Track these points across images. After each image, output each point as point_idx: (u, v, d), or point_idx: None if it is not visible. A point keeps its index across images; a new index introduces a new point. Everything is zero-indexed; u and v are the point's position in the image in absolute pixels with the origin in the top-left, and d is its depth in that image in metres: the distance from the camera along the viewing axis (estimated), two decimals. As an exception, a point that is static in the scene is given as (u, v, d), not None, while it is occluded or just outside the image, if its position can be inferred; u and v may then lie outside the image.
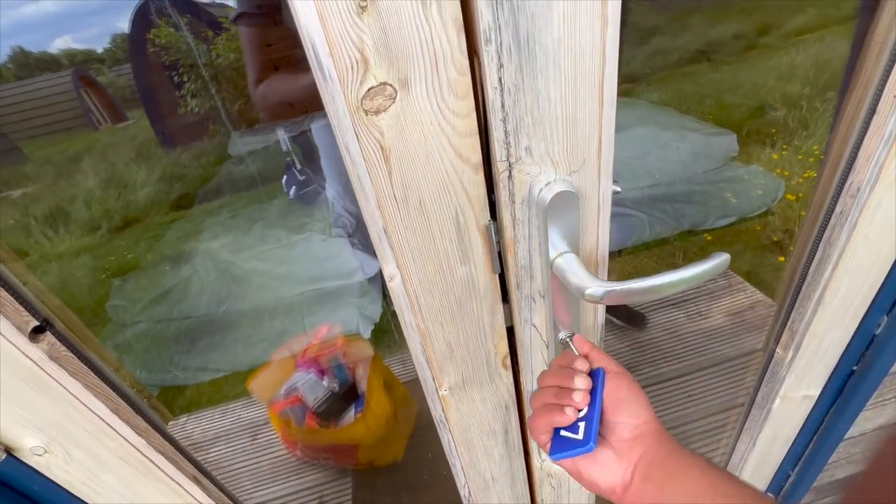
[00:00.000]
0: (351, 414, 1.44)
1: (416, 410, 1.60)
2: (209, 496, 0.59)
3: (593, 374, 0.42)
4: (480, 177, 0.41)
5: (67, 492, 0.49)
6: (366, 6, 0.32)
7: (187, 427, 1.72)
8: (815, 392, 0.78)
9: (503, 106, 0.37)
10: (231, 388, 1.91)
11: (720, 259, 0.41)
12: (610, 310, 1.63)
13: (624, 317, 1.79)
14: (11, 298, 0.39)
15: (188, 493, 0.56)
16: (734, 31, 3.68)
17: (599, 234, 0.47)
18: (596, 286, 0.40)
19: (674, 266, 0.39)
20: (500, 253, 0.46)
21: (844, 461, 0.98)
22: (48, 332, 0.41)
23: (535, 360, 0.56)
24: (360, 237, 1.83)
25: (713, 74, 3.54)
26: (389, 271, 0.45)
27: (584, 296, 0.40)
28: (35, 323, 0.40)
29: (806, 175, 2.45)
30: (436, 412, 0.58)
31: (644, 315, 1.79)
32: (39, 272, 2.58)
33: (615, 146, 0.42)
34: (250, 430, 1.66)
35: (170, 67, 2.20)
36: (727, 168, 2.62)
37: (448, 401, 0.57)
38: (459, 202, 0.42)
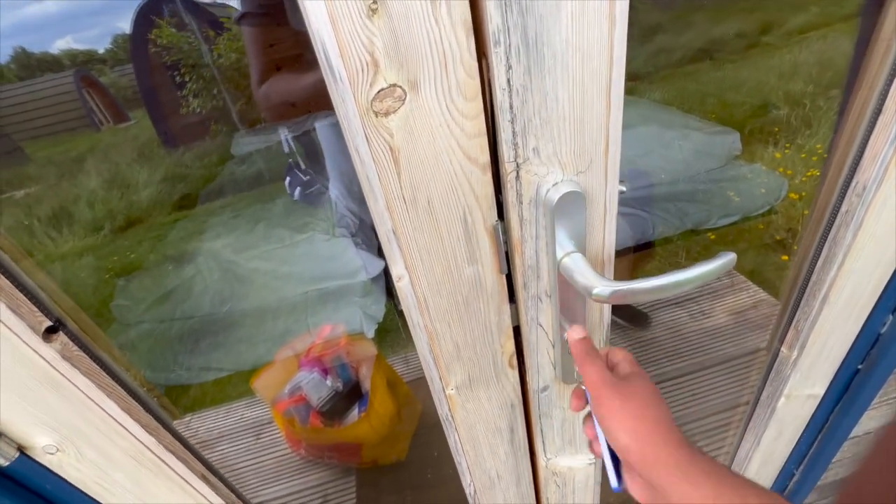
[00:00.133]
0: (354, 413, 1.44)
1: (420, 409, 1.60)
2: (218, 494, 0.59)
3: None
4: (488, 177, 0.41)
5: (79, 490, 0.50)
6: (376, 8, 0.32)
7: (192, 426, 1.73)
8: (820, 391, 0.78)
9: (511, 107, 0.37)
10: (235, 387, 1.92)
11: (726, 259, 0.41)
12: (613, 309, 1.62)
13: (627, 316, 1.79)
14: (25, 299, 0.39)
15: (197, 491, 0.57)
16: (737, 30, 3.67)
17: (606, 233, 0.47)
18: (603, 286, 0.40)
19: (677, 265, 0.39)
20: (507, 253, 0.46)
21: (849, 460, 0.98)
22: (61, 331, 0.41)
23: (542, 359, 0.56)
24: (363, 237, 1.83)
25: (716, 73, 3.53)
26: (398, 272, 0.45)
27: (591, 295, 0.40)
28: (48, 323, 0.40)
29: (809, 174, 2.44)
30: (442, 411, 0.59)
31: (647, 314, 1.79)
32: (43, 273, 2.59)
33: (618, 146, 0.42)
34: (254, 430, 1.66)
35: (171, 67, 2.21)
36: (730, 167, 2.61)
37: (454, 399, 0.57)
38: (467, 203, 0.42)
